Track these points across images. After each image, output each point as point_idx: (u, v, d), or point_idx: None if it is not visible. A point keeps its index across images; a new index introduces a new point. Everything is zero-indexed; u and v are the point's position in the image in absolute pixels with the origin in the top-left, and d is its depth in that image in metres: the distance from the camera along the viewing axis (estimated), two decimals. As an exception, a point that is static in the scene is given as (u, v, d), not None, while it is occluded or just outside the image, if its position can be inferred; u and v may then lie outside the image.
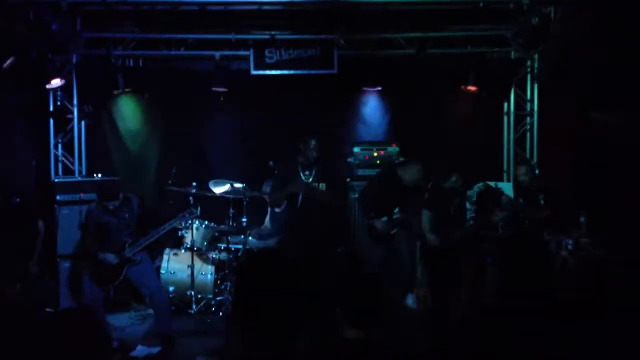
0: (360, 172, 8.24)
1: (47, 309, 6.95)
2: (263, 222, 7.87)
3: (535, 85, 8.54)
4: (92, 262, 6.20)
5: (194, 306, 7.12)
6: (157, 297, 6.41)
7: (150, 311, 6.91)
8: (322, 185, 6.42)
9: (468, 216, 6.79)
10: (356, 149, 8.36)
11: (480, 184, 6.74)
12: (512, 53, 8.37)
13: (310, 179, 6.44)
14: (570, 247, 6.85)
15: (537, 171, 7.08)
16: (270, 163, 7.27)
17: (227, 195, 7.27)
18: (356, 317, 2.97)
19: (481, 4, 6.97)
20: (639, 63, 6.53)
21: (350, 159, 8.35)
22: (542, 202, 6.88)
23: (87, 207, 6.54)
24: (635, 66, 6.58)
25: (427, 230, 6.97)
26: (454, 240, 6.69)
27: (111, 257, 6.13)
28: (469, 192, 6.76)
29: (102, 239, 6.20)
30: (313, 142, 6.41)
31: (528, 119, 8.69)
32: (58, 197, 7.45)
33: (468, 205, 6.76)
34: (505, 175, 8.75)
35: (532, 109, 8.64)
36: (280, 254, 2.43)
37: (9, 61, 6.61)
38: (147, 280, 6.37)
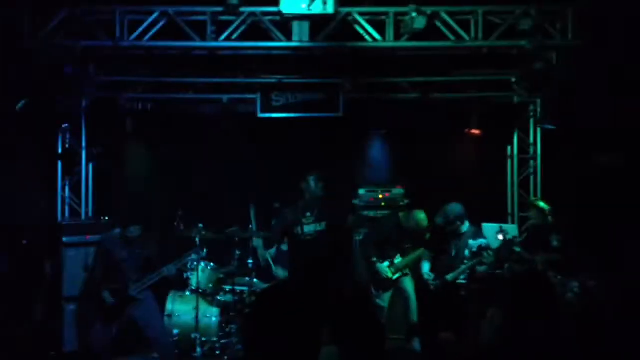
0: (365, 213, 8.27)
1: (51, 352, 6.92)
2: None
3: (538, 129, 8.64)
4: (97, 298, 6.21)
5: (198, 349, 7.06)
6: (162, 340, 6.37)
7: (156, 355, 6.85)
8: (322, 225, 6.53)
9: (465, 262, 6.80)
10: (361, 191, 8.41)
11: (483, 241, 6.76)
12: (515, 97, 8.49)
13: (312, 220, 6.53)
14: (576, 290, 6.82)
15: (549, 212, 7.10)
16: (276, 205, 7.35)
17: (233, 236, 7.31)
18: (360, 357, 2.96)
19: (485, 50, 7.10)
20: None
21: (355, 201, 8.39)
22: (555, 243, 6.90)
23: (97, 244, 6.59)
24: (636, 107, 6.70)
25: (426, 271, 7.01)
26: (447, 282, 6.73)
27: (107, 296, 6.15)
28: (470, 242, 6.78)
29: (109, 272, 6.23)
30: (314, 178, 6.52)
31: (532, 162, 8.76)
32: (64, 239, 7.47)
33: (467, 253, 6.78)
34: (509, 218, 8.79)
35: (535, 152, 8.72)
36: (289, 290, 2.44)
37: (21, 103, 6.72)
38: (151, 321, 6.35)
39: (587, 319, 6.21)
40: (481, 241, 6.71)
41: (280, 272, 7.49)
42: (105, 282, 6.21)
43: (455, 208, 6.85)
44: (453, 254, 6.86)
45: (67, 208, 8.37)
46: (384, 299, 7.20)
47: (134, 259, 6.29)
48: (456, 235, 6.85)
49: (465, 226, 6.86)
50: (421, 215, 7.07)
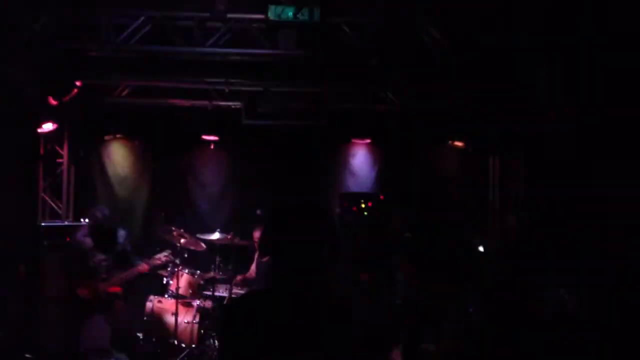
0: (347, 222, 8.27)
1: (27, 355, 6.84)
2: (248, 270, 7.86)
3: (520, 143, 8.73)
4: (73, 296, 6.22)
5: (177, 355, 7.04)
6: (125, 339, 6.42)
7: (120, 356, 6.81)
8: None
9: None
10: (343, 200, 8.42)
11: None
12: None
13: None
14: (553, 302, 6.89)
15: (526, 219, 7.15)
16: (258, 211, 7.34)
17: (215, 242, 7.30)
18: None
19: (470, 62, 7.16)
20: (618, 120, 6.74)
21: (337, 210, 8.40)
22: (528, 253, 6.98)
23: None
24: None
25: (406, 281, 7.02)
26: (430, 293, 6.76)
27: (83, 293, 6.16)
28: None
29: (82, 269, 6.23)
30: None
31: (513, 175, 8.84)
32: (44, 242, 7.41)
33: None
34: (489, 230, 8.85)
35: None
36: (265, 297, 2.43)
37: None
38: (117, 322, 6.36)
39: (562, 331, 6.28)
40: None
41: None
42: (80, 279, 6.21)
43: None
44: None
45: (47, 210, 8.33)
46: (364, 307, 7.20)
47: (105, 255, 6.29)
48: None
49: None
50: (398, 217, 7.12)
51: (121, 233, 6.43)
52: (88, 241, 6.22)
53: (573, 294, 6.64)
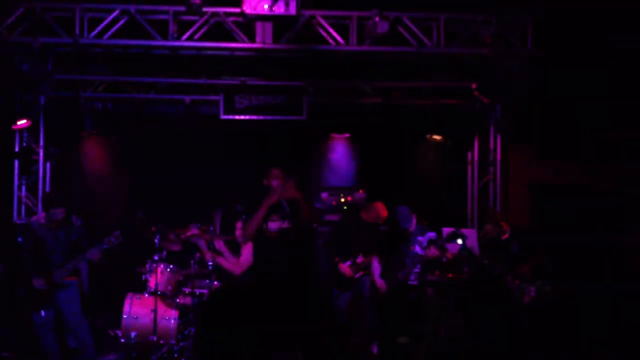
0: (328, 217, 8.29)
1: (3, 354, 6.77)
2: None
3: (498, 136, 8.78)
4: (27, 286, 6.17)
5: (156, 352, 6.98)
6: (79, 331, 6.40)
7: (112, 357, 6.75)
8: (287, 222, 6.41)
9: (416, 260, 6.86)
10: (323, 195, 8.43)
11: (432, 234, 6.84)
12: (476, 104, 8.60)
13: (277, 217, 6.43)
14: (533, 294, 6.95)
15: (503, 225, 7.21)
16: (239, 208, 7.29)
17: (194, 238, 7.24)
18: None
19: (447, 57, 7.19)
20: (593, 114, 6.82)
21: (317, 204, 8.39)
22: (514, 249, 7.03)
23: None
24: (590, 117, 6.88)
25: (376, 275, 7.03)
26: (397, 283, 6.78)
27: (39, 283, 6.11)
28: (419, 238, 6.84)
29: (35, 257, 6.18)
30: (275, 171, 6.41)
31: (491, 168, 8.89)
32: (20, 239, 7.32)
33: (417, 249, 6.83)
34: (468, 224, 8.89)
35: (495, 158, 8.85)
36: (244, 289, 2.41)
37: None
38: (71, 309, 6.35)
39: (541, 321, 6.33)
40: (430, 235, 6.78)
41: None
42: (33, 268, 6.17)
43: (403, 210, 6.91)
44: (405, 254, 6.91)
45: (23, 208, 8.22)
46: (345, 300, 7.20)
47: (59, 243, 6.24)
48: (406, 236, 6.89)
49: (412, 225, 6.92)
50: (380, 205, 7.13)
51: (77, 222, 6.39)
52: (40, 231, 6.19)
53: (549, 284, 6.72)
